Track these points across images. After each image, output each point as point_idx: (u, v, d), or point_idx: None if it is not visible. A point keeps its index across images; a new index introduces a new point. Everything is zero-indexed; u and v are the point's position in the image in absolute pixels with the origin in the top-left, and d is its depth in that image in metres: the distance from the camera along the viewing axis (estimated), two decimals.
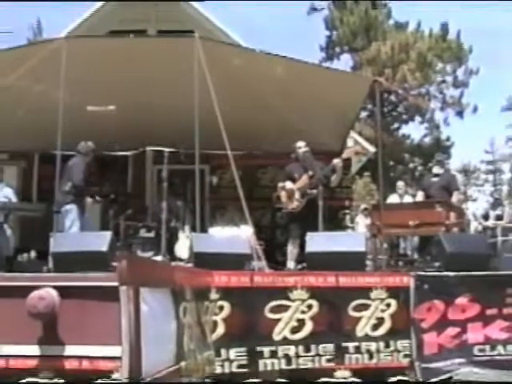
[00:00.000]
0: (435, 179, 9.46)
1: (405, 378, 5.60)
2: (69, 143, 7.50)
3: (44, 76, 7.77)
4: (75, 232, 7.86)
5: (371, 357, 5.67)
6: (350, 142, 11.42)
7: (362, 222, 11.72)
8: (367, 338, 5.68)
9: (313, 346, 5.62)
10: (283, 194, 8.05)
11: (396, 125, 29.11)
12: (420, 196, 9.58)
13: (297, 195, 7.89)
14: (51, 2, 24.79)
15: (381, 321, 5.71)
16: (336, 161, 7.82)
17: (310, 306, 5.65)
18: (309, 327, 5.65)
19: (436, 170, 9.88)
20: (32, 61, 7.39)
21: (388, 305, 5.73)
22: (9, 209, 8.55)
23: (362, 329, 5.70)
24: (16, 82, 7.73)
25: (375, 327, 5.71)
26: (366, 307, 5.71)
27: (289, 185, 8.00)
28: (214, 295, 5.53)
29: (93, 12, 12.01)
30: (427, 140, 29.35)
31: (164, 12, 11.53)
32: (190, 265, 6.33)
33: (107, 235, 6.29)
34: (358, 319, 5.70)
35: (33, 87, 8.25)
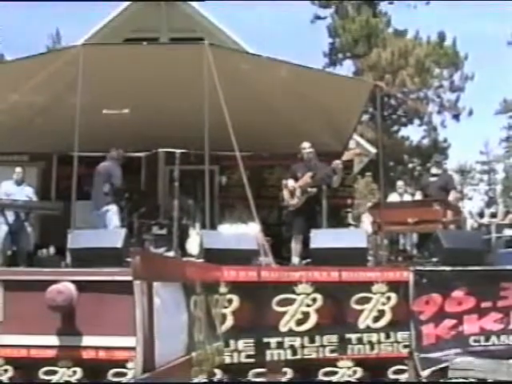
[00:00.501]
0: (434, 179, 9.43)
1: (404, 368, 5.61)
2: (85, 145, 7.50)
3: (62, 81, 7.78)
4: (91, 229, 7.90)
5: (372, 347, 5.68)
6: (351, 144, 11.37)
7: (367, 220, 11.65)
8: (369, 329, 5.69)
9: (317, 338, 5.63)
10: (285, 192, 8.05)
11: (396, 127, 28.99)
12: (419, 195, 9.55)
13: (297, 193, 7.89)
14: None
15: (381, 313, 5.71)
16: (336, 162, 7.80)
17: (314, 300, 5.65)
18: (313, 319, 5.65)
19: (434, 170, 9.87)
20: (51, 67, 7.40)
21: (388, 298, 5.73)
22: (29, 207, 8.59)
23: (364, 321, 5.70)
24: (36, 86, 7.74)
25: (376, 319, 5.71)
26: (367, 300, 5.71)
27: (290, 183, 8.00)
28: (223, 289, 5.54)
29: (108, 22, 12.03)
30: (425, 142, 29.21)
31: (175, 21, 11.54)
32: (200, 260, 6.32)
33: (122, 232, 6.32)
34: (360, 312, 5.70)
35: (51, 92, 8.27)
